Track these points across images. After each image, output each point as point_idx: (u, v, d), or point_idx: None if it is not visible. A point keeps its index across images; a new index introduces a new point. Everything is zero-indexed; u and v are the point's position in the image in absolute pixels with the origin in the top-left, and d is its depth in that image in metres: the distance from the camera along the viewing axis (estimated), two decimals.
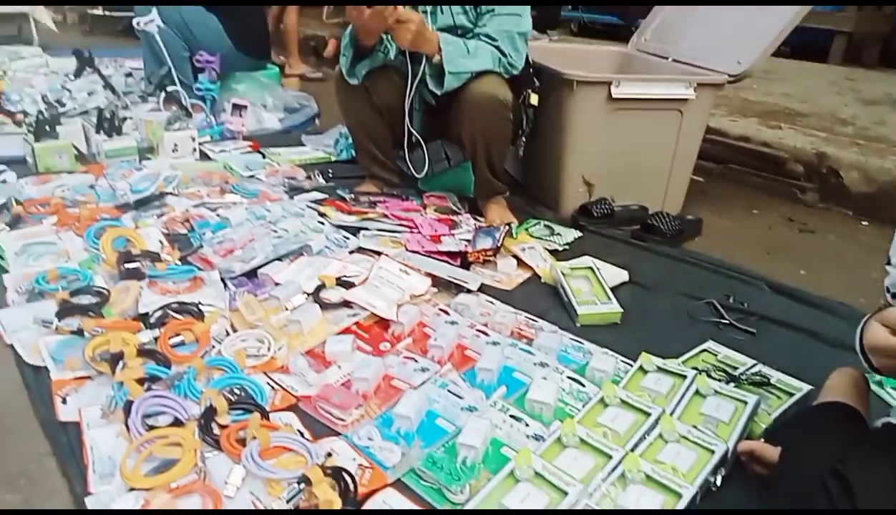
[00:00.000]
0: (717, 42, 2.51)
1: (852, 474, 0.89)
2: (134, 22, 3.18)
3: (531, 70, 2.25)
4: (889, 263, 1.09)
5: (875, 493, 0.87)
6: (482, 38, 2.06)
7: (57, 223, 1.97)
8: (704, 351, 1.55)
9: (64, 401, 1.27)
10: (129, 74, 3.69)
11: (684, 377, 1.37)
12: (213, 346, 1.45)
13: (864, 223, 2.49)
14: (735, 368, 1.46)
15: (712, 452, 1.15)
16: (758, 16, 2.43)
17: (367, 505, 1.07)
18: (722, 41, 2.50)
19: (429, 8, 2.15)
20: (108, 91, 3.17)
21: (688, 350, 1.54)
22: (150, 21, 3.08)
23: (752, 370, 1.45)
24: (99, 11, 5.76)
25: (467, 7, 2.13)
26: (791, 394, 1.37)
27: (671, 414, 1.27)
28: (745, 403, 1.28)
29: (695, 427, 1.22)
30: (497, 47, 2.05)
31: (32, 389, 1.31)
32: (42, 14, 4.84)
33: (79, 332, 1.43)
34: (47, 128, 2.50)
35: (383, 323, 1.59)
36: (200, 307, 1.55)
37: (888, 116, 3.31)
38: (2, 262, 1.77)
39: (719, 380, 1.39)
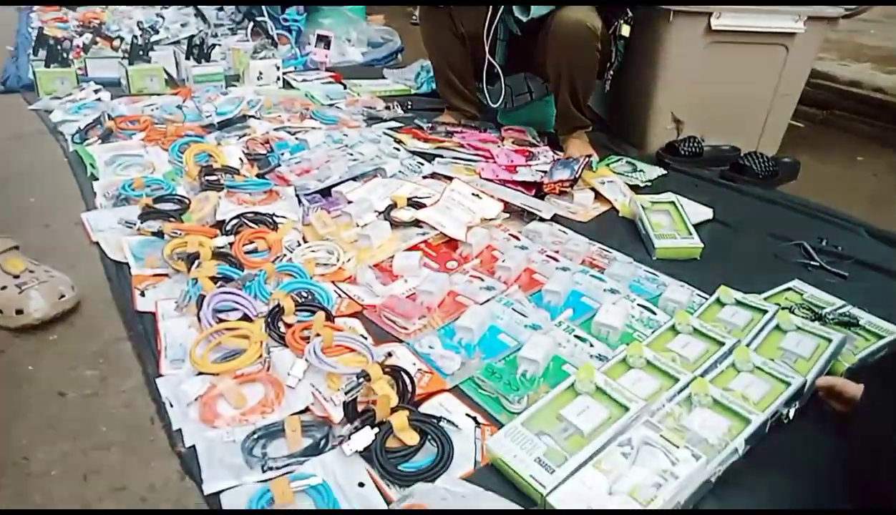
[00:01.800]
0: None
1: None
2: None
3: None
4: None
5: None
6: None
7: (145, 138, 2.05)
8: (789, 289, 1.44)
9: (142, 294, 1.33)
10: (220, 8, 3.77)
11: (764, 311, 1.29)
12: (285, 254, 1.47)
13: None
14: (821, 307, 1.35)
15: (788, 384, 1.08)
16: None
17: (424, 408, 1.07)
18: None
19: None
20: (199, 20, 3.25)
21: (770, 288, 1.45)
22: None
23: (841, 310, 1.34)
24: None
25: None
26: (881, 337, 1.27)
27: (747, 346, 1.20)
28: (829, 340, 1.19)
29: (771, 360, 1.15)
30: None
31: (114, 282, 1.38)
32: None
33: (159, 234, 1.49)
34: (141, 53, 2.59)
35: (452, 243, 1.58)
36: (275, 218, 1.58)
37: None
38: (93, 170, 1.86)
39: (803, 318, 1.30)
